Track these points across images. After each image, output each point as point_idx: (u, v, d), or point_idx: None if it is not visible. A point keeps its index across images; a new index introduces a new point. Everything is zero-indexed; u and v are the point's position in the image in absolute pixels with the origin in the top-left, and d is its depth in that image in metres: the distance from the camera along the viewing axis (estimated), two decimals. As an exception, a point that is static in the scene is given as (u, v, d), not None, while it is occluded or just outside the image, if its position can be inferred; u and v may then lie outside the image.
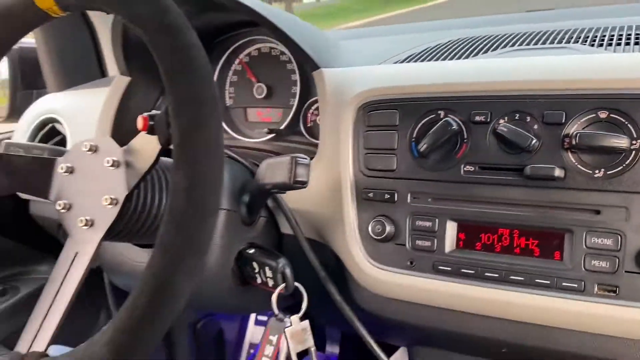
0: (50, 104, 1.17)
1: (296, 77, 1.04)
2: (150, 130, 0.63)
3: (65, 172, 0.72)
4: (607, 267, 0.63)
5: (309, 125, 1.04)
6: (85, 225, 0.68)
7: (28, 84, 1.37)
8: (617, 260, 0.63)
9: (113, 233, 0.70)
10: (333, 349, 1.44)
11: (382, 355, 0.80)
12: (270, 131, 1.03)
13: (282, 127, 1.04)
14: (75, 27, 1.30)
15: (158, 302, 0.51)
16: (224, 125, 1.10)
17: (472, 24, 1.19)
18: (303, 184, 0.71)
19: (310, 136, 1.02)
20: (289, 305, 0.97)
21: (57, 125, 1.15)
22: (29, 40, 1.35)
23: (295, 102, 1.04)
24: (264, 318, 1.62)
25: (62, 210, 0.70)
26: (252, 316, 1.63)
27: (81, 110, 1.11)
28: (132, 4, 0.55)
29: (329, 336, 1.47)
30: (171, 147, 0.55)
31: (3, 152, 0.73)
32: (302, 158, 0.71)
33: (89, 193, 0.71)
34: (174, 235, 0.52)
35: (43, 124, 1.16)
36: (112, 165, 0.68)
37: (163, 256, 0.52)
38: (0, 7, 0.58)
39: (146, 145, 0.65)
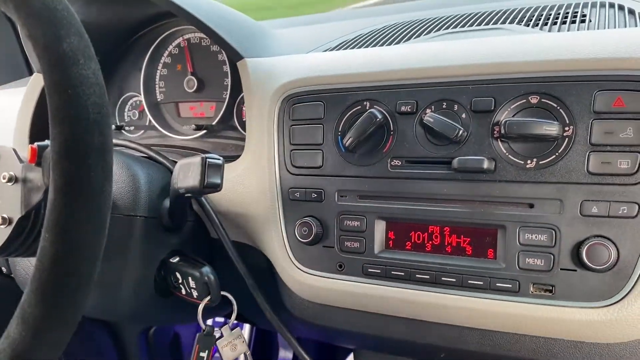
0: (-34, 107, 1.09)
1: (227, 68, 0.98)
2: (39, 163, 0.56)
3: None
4: (542, 265, 0.58)
5: (244, 119, 0.97)
6: None
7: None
8: (552, 257, 0.58)
9: (7, 252, 0.64)
10: (286, 354, 1.39)
11: None
12: (198, 127, 0.96)
13: (214, 122, 0.98)
14: (-5, 23, 1.21)
15: None
16: (153, 122, 1.03)
17: (413, 8, 1.13)
18: (216, 187, 0.65)
19: (245, 131, 0.96)
20: (225, 312, 0.91)
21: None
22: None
23: (227, 95, 0.97)
24: (222, 319, 1.56)
25: None
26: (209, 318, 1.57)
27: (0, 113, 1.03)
28: (26, 12, 0.47)
29: (282, 342, 1.42)
30: None
31: None
32: (214, 158, 0.65)
33: (-18, 206, 0.65)
34: (34, 306, 0.45)
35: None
36: (8, 181, 0.62)
37: (21, 327, 0.46)
38: None
39: (40, 175, 0.59)
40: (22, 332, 0.46)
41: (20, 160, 0.64)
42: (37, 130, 0.96)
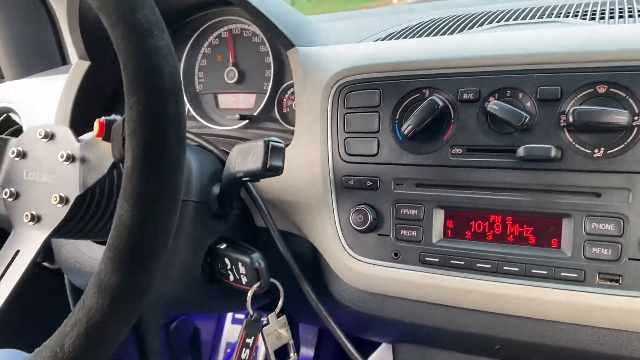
0: (5, 93, 1.09)
1: (269, 59, 0.98)
2: (107, 137, 0.56)
3: (16, 156, 0.66)
4: (609, 254, 0.58)
5: (284, 111, 0.97)
6: (31, 220, 0.62)
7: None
8: (619, 246, 0.58)
9: (61, 232, 0.64)
10: (308, 351, 1.38)
11: (358, 356, 0.74)
12: (242, 117, 0.96)
13: (256, 113, 0.97)
14: (32, 11, 1.21)
15: (87, 345, 0.45)
16: (193, 112, 1.03)
17: (456, 4, 1.13)
18: (278, 171, 0.65)
19: (286, 122, 0.96)
20: (266, 302, 0.91)
21: (13, 116, 1.07)
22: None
23: (269, 87, 0.97)
24: (242, 316, 1.55)
25: (9, 199, 0.64)
26: (229, 314, 1.56)
27: (38, 99, 1.03)
28: None
29: (303, 338, 1.41)
30: None
31: None
32: (276, 141, 0.65)
33: (39, 185, 0.65)
34: (111, 274, 0.45)
35: (-3, 114, 1.08)
36: (66, 160, 0.62)
37: (97, 295, 0.45)
38: None
39: (102, 151, 0.59)
40: (98, 300, 0.46)
41: (77, 140, 0.64)
42: (79, 116, 0.96)
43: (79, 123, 0.94)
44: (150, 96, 0.46)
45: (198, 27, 1.04)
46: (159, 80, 0.46)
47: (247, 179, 0.68)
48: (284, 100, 0.97)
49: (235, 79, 1.01)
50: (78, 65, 0.96)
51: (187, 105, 1.04)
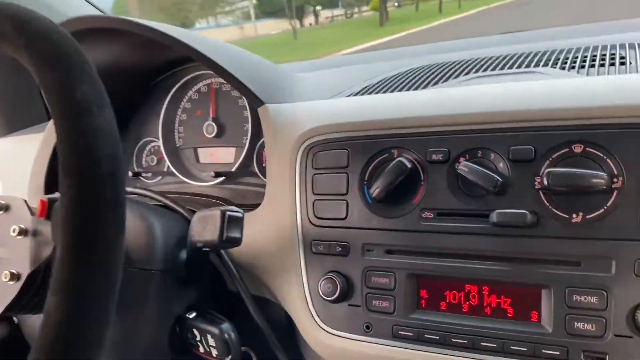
0: (-17, 153, 1.08)
1: (247, 113, 0.95)
2: (49, 216, 0.53)
3: None
4: (593, 330, 0.53)
5: (264, 164, 0.94)
6: None
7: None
8: (604, 321, 0.52)
9: (14, 310, 0.60)
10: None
11: None
12: (218, 174, 0.93)
13: (234, 168, 0.94)
14: (14, 67, 1.20)
15: None
16: (172, 168, 1.01)
17: (441, 49, 1.11)
18: (235, 242, 0.61)
19: (265, 177, 0.93)
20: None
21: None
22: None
23: (247, 141, 0.94)
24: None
25: None
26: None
27: (16, 159, 1.02)
28: (38, 59, 0.44)
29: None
30: None
31: None
32: (234, 211, 0.61)
33: (-9, 260, 0.62)
34: None
35: (-25, 175, 1.06)
36: (19, 234, 0.59)
37: None
38: None
39: (49, 228, 0.56)
40: None
41: (32, 212, 0.61)
42: (54, 180, 0.94)
43: (53, 187, 0.92)
44: (83, 182, 0.42)
45: (176, 82, 1.02)
46: (94, 163, 0.43)
47: (207, 249, 0.65)
48: (263, 154, 0.94)
49: (214, 133, 0.99)
50: (52, 125, 0.95)
51: (167, 162, 1.02)
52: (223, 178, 0.94)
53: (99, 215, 0.42)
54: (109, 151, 0.43)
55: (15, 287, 0.59)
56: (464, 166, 0.58)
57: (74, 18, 0.75)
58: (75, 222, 0.42)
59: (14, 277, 0.60)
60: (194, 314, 0.73)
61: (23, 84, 1.23)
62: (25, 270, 0.59)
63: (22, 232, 0.60)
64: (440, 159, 0.60)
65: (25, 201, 0.62)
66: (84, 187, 0.42)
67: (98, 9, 1.23)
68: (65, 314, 0.42)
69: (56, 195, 0.54)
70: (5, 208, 0.63)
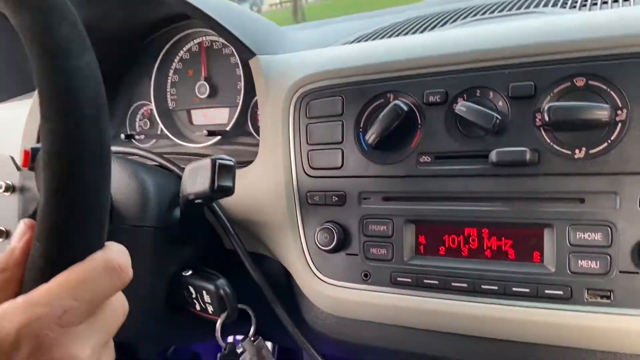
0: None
1: (240, 71, 0.93)
2: (32, 167, 0.51)
3: None
4: (597, 267, 0.51)
5: (258, 124, 0.92)
6: None
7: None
8: (608, 258, 0.51)
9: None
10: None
11: None
12: (211, 133, 0.91)
13: (228, 128, 0.92)
14: (6, 37, 1.18)
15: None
16: (165, 131, 0.99)
17: (439, 2, 1.07)
18: (228, 191, 0.59)
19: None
20: (242, 327, 0.85)
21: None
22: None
23: (240, 100, 0.92)
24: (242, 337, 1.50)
25: None
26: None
27: (7, 125, 1.00)
28: (15, 3, 0.42)
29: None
30: None
31: None
32: (225, 159, 0.59)
33: (-21, 217, 0.60)
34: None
35: (-34, 143, 1.05)
36: (5, 190, 0.58)
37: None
38: None
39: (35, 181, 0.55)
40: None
41: (19, 168, 0.60)
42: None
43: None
44: (64, 124, 0.40)
45: (166, 41, 1.00)
46: (76, 105, 0.40)
47: (199, 201, 0.63)
48: (257, 113, 0.92)
49: (207, 94, 0.97)
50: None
51: (160, 124, 1.00)
52: (218, 138, 0.92)
53: (82, 159, 0.40)
54: (91, 93, 0.41)
55: (3, 245, 0.58)
56: (462, 106, 0.56)
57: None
58: (56, 166, 0.40)
59: (2, 234, 0.59)
60: (189, 272, 0.72)
61: (14, 53, 1.21)
62: (13, 226, 0.58)
63: (9, 189, 0.59)
64: (438, 100, 0.58)
65: (12, 157, 0.61)
66: (65, 130, 0.40)
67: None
68: (47, 260, 0.40)
69: (38, 145, 0.52)
70: (-9, 165, 0.62)
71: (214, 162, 0.58)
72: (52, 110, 0.40)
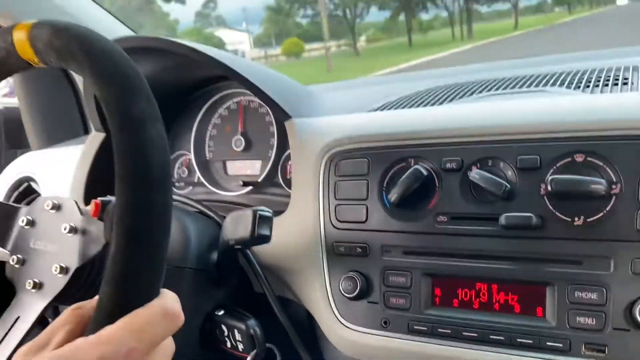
0: (27, 163, 1.15)
1: (273, 128, 1.02)
2: (102, 217, 0.59)
3: (25, 224, 0.69)
4: (593, 324, 0.57)
5: (288, 177, 1.00)
6: (34, 287, 0.65)
7: (12, 144, 1.36)
8: (603, 316, 0.57)
9: (61, 300, 0.66)
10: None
11: None
12: (245, 184, 1.00)
13: (260, 179, 1.01)
14: (56, 82, 1.29)
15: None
16: (202, 179, 1.07)
17: (455, 72, 1.17)
18: (265, 239, 0.67)
19: (289, 188, 0.98)
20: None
21: (33, 185, 1.13)
22: (14, 100, 1.35)
23: (272, 154, 1.01)
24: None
25: (15, 265, 0.67)
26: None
27: (56, 169, 1.09)
28: (101, 77, 0.51)
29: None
30: None
31: None
32: (264, 211, 0.67)
33: (44, 254, 0.68)
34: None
35: (19, 183, 1.14)
36: (69, 231, 0.65)
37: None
38: None
39: (101, 228, 0.62)
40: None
41: (81, 213, 0.67)
42: (92, 186, 1.01)
43: (92, 193, 0.99)
44: (137, 186, 0.48)
45: (209, 98, 1.10)
46: (147, 171, 0.48)
47: (239, 246, 0.71)
48: (288, 166, 1.00)
49: (242, 147, 1.06)
50: (93, 137, 1.02)
51: (197, 173, 1.09)
52: (250, 188, 1.00)
53: (150, 216, 0.48)
54: (160, 160, 0.49)
55: (63, 280, 0.65)
56: (475, 174, 0.64)
57: (126, 37, 0.83)
58: (129, 222, 0.47)
59: (63, 270, 0.65)
60: (222, 312, 0.79)
61: (62, 103, 1.32)
62: (73, 265, 0.65)
63: (72, 230, 0.66)
64: (454, 167, 0.66)
65: (76, 202, 0.69)
66: (137, 191, 0.48)
67: (131, 30, 1.32)
68: (115, 304, 0.48)
69: (108, 198, 0.60)
70: (58, 207, 0.69)
71: (255, 212, 0.66)
72: (127, 172, 0.48)
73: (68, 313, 0.51)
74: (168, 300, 0.49)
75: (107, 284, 0.48)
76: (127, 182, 0.48)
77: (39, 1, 1.13)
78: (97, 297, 0.50)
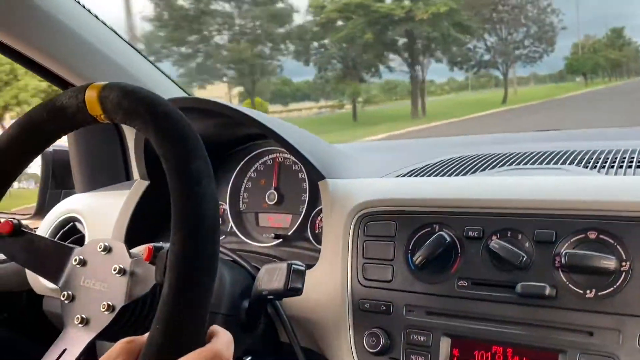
0: (74, 204, 1.23)
1: (306, 185, 1.09)
2: (153, 262, 0.64)
3: (77, 263, 0.75)
4: (602, 392, 0.61)
5: (316, 231, 1.06)
6: (81, 322, 0.70)
7: (57, 184, 1.45)
8: (612, 385, 0.61)
9: (105, 336, 0.72)
10: None
11: None
12: (277, 236, 1.06)
13: (290, 232, 1.07)
14: (106, 134, 1.39)
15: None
16: (235, 229, 1.14)
17: (481, 141, 1.24)
18: (297, 292, 0.72)
19: (317, 242, 1.04)
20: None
21: (78, 225, 1.20)
22: (61, 143, 1.45)
23: (303, 209, 1.07)
24: None
25: (65, 301, 0.73)
26: None
27: (101, 211, 1.17)
28: (163, 137, 0.57)
29: None
30: None
31: (26, 230, 0.76)
32: (298, 265, 0.73)
33: (92, 292, 0.73)
34: None
35: (65, 223, 1.22)
36: (118, 273, 0.71)
37: None
38: (57, 104, 0.63)
39: (148, 270, 0.68)
40: None
41: (130, 256, 0.74)
42: (133, 230, 1.08)
43: (133, 236, 1.06)
44: (191, 237, 0.54)
45: (247, 154, 1.17)
46: (200, 223, 0.55)
47: (271, 297, 0.76)
48: (317, 222, 1.06)
49: (275, 201, 1.12)
50: (138, 184, 1.10)
51: (231, 223, 1.15)
52: (280, 240, 1.06)
53: (201, 263, 0.54)
54: (212, 214, 0.56)
55: (109, 317, 0.70)
56: (495, 243, 0.69)
57: (179, 98, 0.91)
58: (182, 267, 0.54)
59: (109, 308, 0.71)
60: (249, 358, 0.84)
61: (108, 151, 1.41)
62: (119, 303, 0.70)
63: (121, 271, 0.72)
64: (476, 235, 0.72)
65: (126, 245, 0.75)
66: (191, 240, 0.54)
67: (185, 92, 1.43)
68: (166, 340, 0.53)
69: (160, 244, 0.66)
70: (109, 250, 0.76)
71: (289, 266, 0.72)
72: (182, 223, 0.55)
73: (121, 345, 0.56)
74: (221, 345, 0.54)
75: (159, 322, 0.53)
76: (182, 231, 0.54)
77: (108, 64, 1.24)
78: (147, 333, 0.56)
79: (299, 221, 1.07)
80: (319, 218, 1.06)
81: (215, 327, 0.59)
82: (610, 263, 0.62)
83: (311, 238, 1.06)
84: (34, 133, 0.66)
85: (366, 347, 0.75)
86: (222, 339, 0.55)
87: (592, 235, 0.65)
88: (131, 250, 0.75)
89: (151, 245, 0.67)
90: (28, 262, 0.78)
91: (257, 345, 0.87)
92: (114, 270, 0.72)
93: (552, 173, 0.81)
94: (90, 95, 0.61)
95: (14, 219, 0.76)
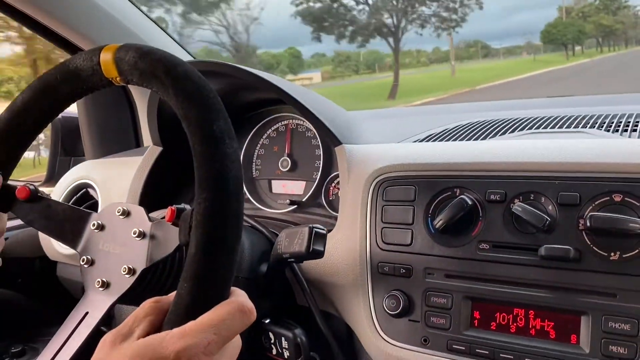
0: (86, 171, 1.23)
1: (320, 152, 1.08)
2: (175, 223, 0.63)
3: (95, 228, 0.75)
4: (625, 353, 0.62)
5: (330, 198, 1.06)
6: (102, 286, 0.70)
7: (67, 151, 1.45)
8: (635, 346, 0.61)
9: (126, 299, 0.72)
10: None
11: None
12: (292, 202, 1.06)
13: (304, 199, 1.07)
14: (115, 101, 1.38)
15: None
16: (248, 195, 1.14)
17: (494, 107, 1.22)
18: (319, 254, 0.72)
19: (331, 209, 1.04)
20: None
21: (90, 191, 1.20)
22: (70, 110, 1.43)
23: (318, 176, 1.07)
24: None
25: (85, 265, 0.73)
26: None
27: (114, 177, 1.16)
28: (184, 97, 0.56)
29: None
30: None
31: (43, 196, 0.76)
32: (319, 228, 0.73)
33: (112, 256, 0.74)
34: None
35: (77, 189, 1.21)
36: (138, 236, 0.71)
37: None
38: (71, 67, 0.62)
39: (169, 233, 0.68)
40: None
41: (150, 219, 0.73)
42: (147, 195, 1.08)
43: (147, 201, 1.06)
44: (217, 195, 0.54)
45: (259, 120, 1.17)
46: (225, 182, 0.54)
47: (292, 260, 0.76)
48: (331, 188, 1.06)
49: (288, 168, 1.12)
50: (152, 150, 1.09)
51: (245, 190, 1.15)
52: (296, 206, 1.06)
53: (226, 222, 0.54)
54: (235, 173, 0.55)
55: (130, 280, 0.70)
56: (518, 206, 0.69)
57: (197, 61, 0.90)
58: (208, 226, 0.54)
59: (130, 271, 0.71)
60: (268, 320, 0.84)
61: (119, 115, 1.40)
62: (140, 267, 0.70)
63: (141, 235, 0.72)
64: (498, 199, 0.71)
65: (145, 210, 0.75)
66: (216, 201, 0.54)
67: (191, 55, 1.41)
68: (194, 299, 0.53)
69: (182, 206, 0.66)
70: (127, 214, 0.76)
71: (311, 229, 0.72)
72: (208, 183, 0.54)
73: (149, 305, 0.57)
74: (243, 298, 0.54)
75: (186, 280, 0.54)
76: (207, 191, 0.54)
77: (116, 27, 1.22)
78: (174, 292, 0.56)
79: (313, 187, 1.06)
80: (333, 185, 1.06)
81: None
82: (636, 225, 0.62)
83: (325, 205, 1.06)
84: (48, 96, 0.65)
85: (386, 309, 0.76)
86: (241, 292, 0.56)
87: (617, 197, 0.65)
88: (151, 215, 0.74)
89: (174, 206, 0.66)
90: (46, 228, 0.77)
91: (275, 308, 0.87)
92: (134, 233, 0.72)
93: (575, 136, 0.81)
94: (106, 57, 0.60)
95: (31, 184, 0.76)
